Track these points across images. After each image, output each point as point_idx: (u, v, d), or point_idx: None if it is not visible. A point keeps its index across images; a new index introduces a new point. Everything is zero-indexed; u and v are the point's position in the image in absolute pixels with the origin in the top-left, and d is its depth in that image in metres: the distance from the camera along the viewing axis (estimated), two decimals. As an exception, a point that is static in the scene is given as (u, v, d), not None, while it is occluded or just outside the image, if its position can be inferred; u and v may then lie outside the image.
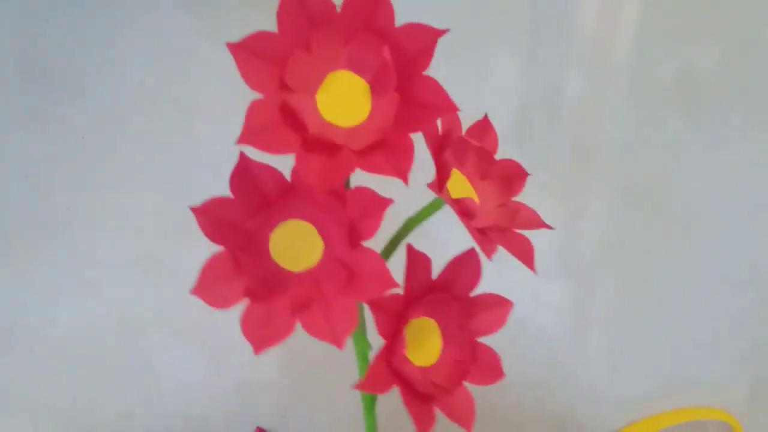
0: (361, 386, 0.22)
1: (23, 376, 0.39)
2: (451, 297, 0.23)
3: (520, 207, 0.23)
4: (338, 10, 0.20)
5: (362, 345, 0.25)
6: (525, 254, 0.22)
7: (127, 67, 0.37)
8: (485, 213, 0.22)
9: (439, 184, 0.21)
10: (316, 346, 0.38)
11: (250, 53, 0.19)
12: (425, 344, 0.24)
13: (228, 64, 0.35)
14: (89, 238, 0.38)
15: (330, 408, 0.42)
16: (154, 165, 0.38)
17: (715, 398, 0.45)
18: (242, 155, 0.21)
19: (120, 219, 0.38)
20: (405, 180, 0.19)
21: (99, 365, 0.39)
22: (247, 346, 0.37)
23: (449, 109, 0.20)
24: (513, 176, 0.24)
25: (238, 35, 0.23)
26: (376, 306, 0.21)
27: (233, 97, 0.34)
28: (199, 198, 0.35)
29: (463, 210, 0.21)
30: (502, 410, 0.45)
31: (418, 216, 0.23)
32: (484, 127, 0.24)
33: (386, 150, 0.20)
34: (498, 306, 0.24)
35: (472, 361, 0.24)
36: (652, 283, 0.43)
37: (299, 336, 0.38)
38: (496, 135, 0.24)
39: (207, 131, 0.38)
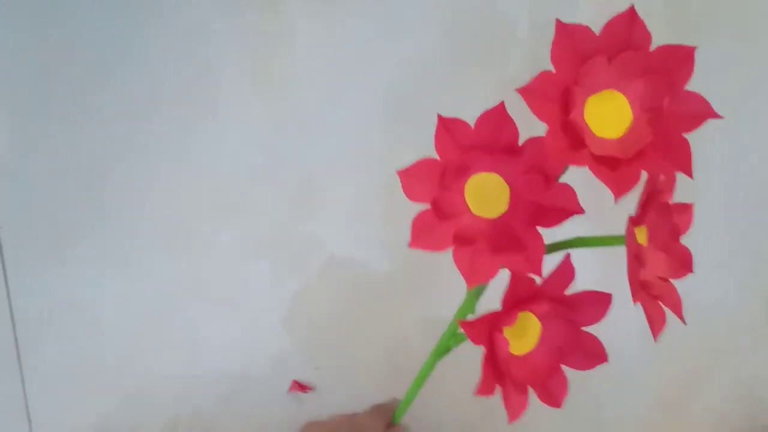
0: (479, 392, 0.25)
1: (79, 352, 0.40)
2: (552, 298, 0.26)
3: (672, 291, 0.25)
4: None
5: (469, 307, 0.28)
6: (655, 325, 0.24)
7: (152, 56, 0.37)
8: (649, 274, 0.24)
9: (632, 227, 0.23)
10: (344, 305, 0.41)
11: (537, 94, 0.23)
12: (526, 335, 0.26)
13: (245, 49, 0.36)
14: (127, 220, 0.39)
15: (361, 361, 0.43)
16: (182, 148, 0.39)
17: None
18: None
19: (154, 200, 0.39)
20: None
21: (144, 332, 0.41)
22: (276, 311, 0.41)
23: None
24: (683, 262, 0.25)
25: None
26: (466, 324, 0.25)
27: (252, 80, 0.36)
28: (224, 178, 0.38)
29: (638, 255, 0.23)
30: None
31: (596, 240, 0.26)
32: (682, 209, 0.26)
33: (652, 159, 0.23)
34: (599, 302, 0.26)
35: (574, 348, 0.26)
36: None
37: (328, 295, 0.40)
38: (692, 217, 0.26)
39: (229, 113, 0.38)
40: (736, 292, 0.44)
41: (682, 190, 0.34)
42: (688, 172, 0.22)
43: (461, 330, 0.27)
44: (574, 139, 0.23)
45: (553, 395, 0.27)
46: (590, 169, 0.22)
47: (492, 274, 0.24)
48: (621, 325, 0.41)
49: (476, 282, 0.24)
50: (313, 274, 0.41)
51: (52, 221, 0.38)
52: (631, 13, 0.23)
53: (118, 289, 0.40)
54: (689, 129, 0.22)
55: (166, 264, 0.40)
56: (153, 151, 0.38)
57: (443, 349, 0.31)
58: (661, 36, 0.24)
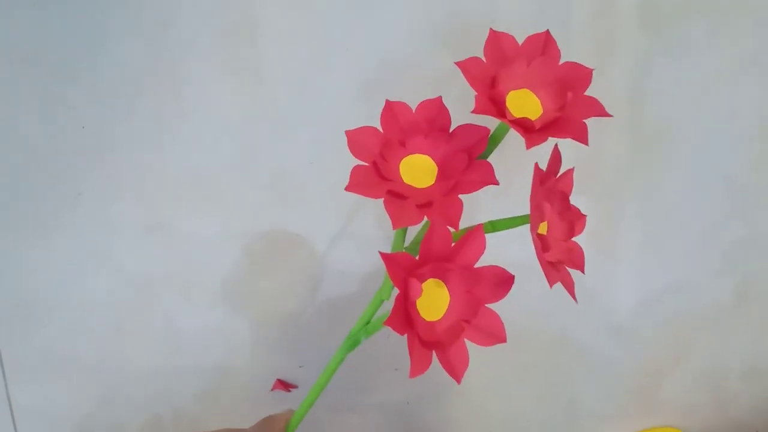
0: (387, 321, 0.26)
1: (53, 343, 0.41)
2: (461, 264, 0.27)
3: (575, 246, 0.28)
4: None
5: (398, 244, 0.30)
6: (569, 287, 0.27)
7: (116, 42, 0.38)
8: (555, 247, 0.28)
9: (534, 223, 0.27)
10: (328, 300, 0.40)
11: (470, 70, 0.29)
12: (437, 302, 0.28)
13: (209, 34, 0.38)
14: (100, 207, 0.40)
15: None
16: (156, 140, 0.39)
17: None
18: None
19: (128, 191, 0.40)
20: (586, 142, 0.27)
21: (121, 326, 0.41)
22: (255, 304, 0.41)
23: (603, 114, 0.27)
24: (577, 219, 0.29)
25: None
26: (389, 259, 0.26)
27: (217, 63, 0.38)
28: (199, 170, 0.39)
29: (543, 242, 0.26)
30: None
31: (506, 222, 0.30)
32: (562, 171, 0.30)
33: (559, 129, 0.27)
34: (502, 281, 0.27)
35: (476, 322, 0.27)
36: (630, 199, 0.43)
37: (307, 291, 0.40)
38: (572, 180, 0.30)
39: (199, 97, 0.39)
40: (707, 281, 0.46)
41: (656, 177, 0.41)
42: (584, 141, 0.27)
43: (376, 319, 0.30)
44: (496, 108, 0.28)
45: (454, 367, 0.27)
46: (509, 124, 0.27)
47: (416, 221, 0.27)
48: (597, 316, 0.42)
49: (401, 225, 0.27)
50: (293, 268, 0.41)
51: (24, 214, 0.39)
52: (547, 34, 0.29)
53: (93, 282, 0.39)
54: (586, 117, 0.28)
55: (143, 256, 0.40)
56: (127, 142, 0.39)
57: (353, 343, 0.32)
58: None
